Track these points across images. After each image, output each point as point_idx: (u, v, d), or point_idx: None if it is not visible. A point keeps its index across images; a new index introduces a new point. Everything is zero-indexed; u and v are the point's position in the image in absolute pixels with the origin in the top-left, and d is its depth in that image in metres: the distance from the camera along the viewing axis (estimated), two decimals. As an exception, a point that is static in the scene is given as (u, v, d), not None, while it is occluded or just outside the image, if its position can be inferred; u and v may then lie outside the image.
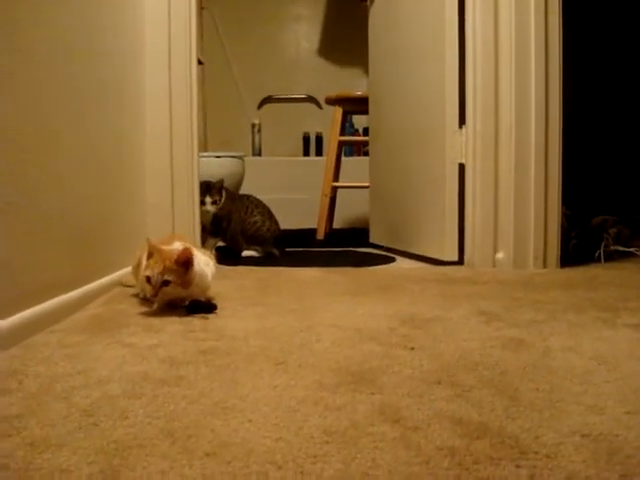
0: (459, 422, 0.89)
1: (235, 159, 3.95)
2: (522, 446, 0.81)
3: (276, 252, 3.03)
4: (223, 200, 3.01)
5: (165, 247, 1.65)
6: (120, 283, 1.99)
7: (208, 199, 2.95)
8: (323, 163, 4.09)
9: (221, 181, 3.03)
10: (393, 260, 2.86)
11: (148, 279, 1.59)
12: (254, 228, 3.03)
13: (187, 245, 1.66)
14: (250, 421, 0.89)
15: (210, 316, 1.60)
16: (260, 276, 2.34)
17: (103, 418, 0.90)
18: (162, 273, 1.58)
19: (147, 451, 0.80)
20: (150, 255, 1.61)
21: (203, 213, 2.78)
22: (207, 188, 2.94)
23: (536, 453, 0.79)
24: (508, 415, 0.91)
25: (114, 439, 0.83)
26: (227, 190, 3.10)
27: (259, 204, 3.12)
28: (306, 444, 0.81)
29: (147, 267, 1.60)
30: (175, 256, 1.60)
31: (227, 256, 2.87)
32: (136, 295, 1.83)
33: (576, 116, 2.76)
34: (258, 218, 3.05)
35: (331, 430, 0.86)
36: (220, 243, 3.08)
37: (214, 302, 1.68)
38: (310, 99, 5.55)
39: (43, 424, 0.88)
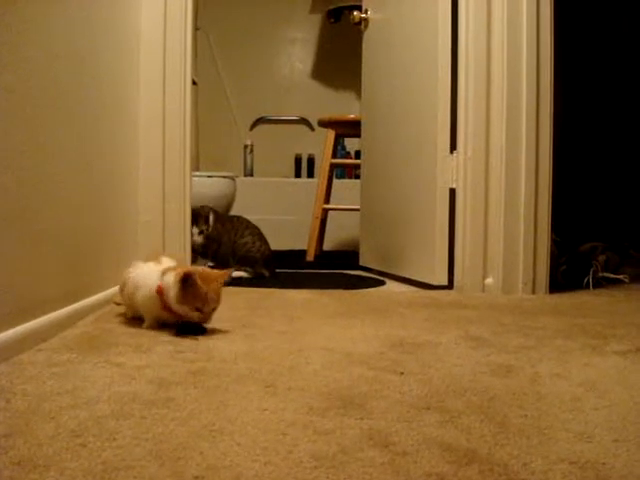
0: (448, 448, 0.89)
1: (227, 179, 3.96)
2: (510, 473, 0.81)
3: (266, 273, 3.02)
4: (211, 228, 2.99)
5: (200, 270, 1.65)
6: (113, 301, 1.99)
7: (195, 230, 2.92)
8: (314, 185, 4.11)
9: (208, 209, 3.02)
10: (383, 283, 2.86)
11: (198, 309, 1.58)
12: (244, 249, 3.03)
13: (184, 266, 1.66)
14: (239, 444, 0.89)
15: (199, 337, 1.60)
16: (250, 297, 2.33)
17: (91, 439, 0.90)
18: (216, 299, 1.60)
19: (135, 473, 0.79)
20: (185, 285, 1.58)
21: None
22: (194, 218, 2.88)
23: (524, 480, 0.79)
24: (497, 441, 0.91)
25: (102, 460, 0.83)
26: (216, 213, 3.09)
27: (249, 225, 3.12)
28: (295, 468, 0.81)
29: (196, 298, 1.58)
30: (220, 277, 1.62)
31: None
32: (124, 314, 1.83)
33: (566, 144, 2.79)
34: (248, 239, 3.05)
35: (320, 455, 0.86)
36: (209, 263, 3.08)
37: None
38: (303, 121, 5.58)
39: (30, 444, 0.87)
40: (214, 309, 1.61)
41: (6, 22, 1.35)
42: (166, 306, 1.61)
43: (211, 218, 3.03)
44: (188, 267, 1.64)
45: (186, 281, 1.57)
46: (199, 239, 2.96)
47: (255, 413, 1.02)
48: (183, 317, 1.61)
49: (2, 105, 1.33)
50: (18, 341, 1.36)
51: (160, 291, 1.61)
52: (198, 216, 2.96)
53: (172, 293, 1.58)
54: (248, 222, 3.14)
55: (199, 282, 1.56)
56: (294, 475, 0.79)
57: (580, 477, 0.80)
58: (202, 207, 3.04)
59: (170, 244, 2.52)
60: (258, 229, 3.13)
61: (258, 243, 3.06)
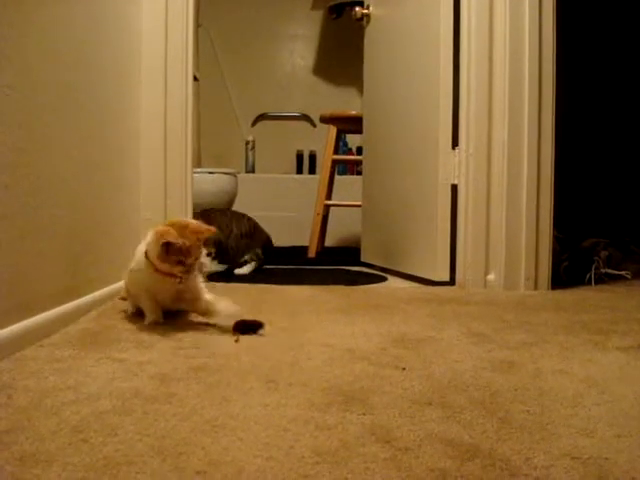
0: (450, 443, 0.89)
1: (228, 176, 3.95)
2: (513, 468, 0.81)
3: (259, 254, 3.00)
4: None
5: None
6: (120, 296, 1.98)
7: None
8: (316, 181, 4.10)
9: (218, 236, 2.93)
10: (385, 279, 2.86)
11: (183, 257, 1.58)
12: (236, 240, 3.00)
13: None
14: (241, 440, 0.89)
15: (200, 333, 1.60)
16: (251, 293, 2.33)
17: (93, 434, 0.90)
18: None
19: (137, 468, 0.79)
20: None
21: None
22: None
23: (527, 475, 0.79)
24: (499, 437, 0.91)
25: (104, 456, 0.83)
26: (209, 211, 3.04)
27: (233, 215, 3.09)
28: (297, 464, 0.81)
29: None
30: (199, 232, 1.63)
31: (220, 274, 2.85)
32: (125, 310, 1.83)
33: (567, 139, 2.78)
34: (235, 229, 3.02)
35: (322, 450, 0.86)
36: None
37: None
38: (304, 117, 5.57)
39: (33, 439, 0.87)
40: (196, 259, 1.61)
41: (7, 18, 1.35)
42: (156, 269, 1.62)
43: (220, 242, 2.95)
44: (162, 228, 1.64)
45: (167, 246, 1.57)
46: (205, 261, 2.82)
47: (257, 409, 1.02)
48: (168, 274, 1.61)
49: (1, 101, 1.33)
50: (20, 337, 1.37)
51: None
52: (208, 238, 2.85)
53: (154, 253, 1.59)
54: (232, 212, 3.10)
55: (177, 241, 1.57)
56: (296, 470, 0.79)
57: (582, 472, 0.80)
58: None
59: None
60: (242, 216, 3.09)
61: (244, 229, 3.03)
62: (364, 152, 3.52)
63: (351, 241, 4.52)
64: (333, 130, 3.95)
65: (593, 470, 0.80)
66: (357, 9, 3.39)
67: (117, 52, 2.19)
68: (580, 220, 3.21)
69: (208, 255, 2.78)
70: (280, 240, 4.56)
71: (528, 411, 1.03)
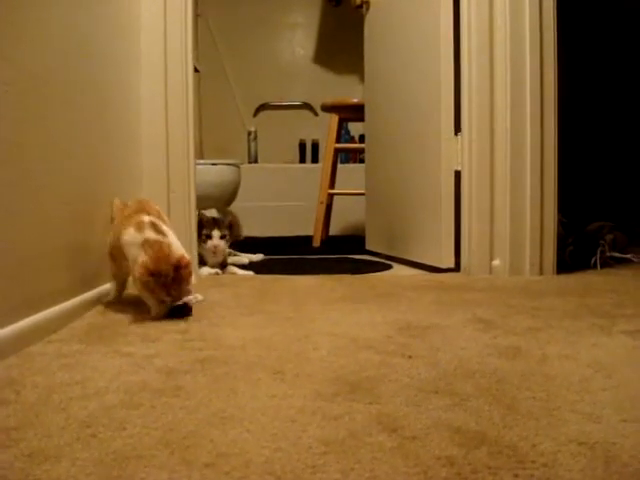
0: (457, 431, 0.89)
1: (231, 166, 3.95)
2: (520, 455, 0.81)
3: None
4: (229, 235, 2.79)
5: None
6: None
7: (216, 233, 2.69)
8: (319, 170, 4.10)
9: (229, 218, 2.85)
10: (389, 267, 2.86)
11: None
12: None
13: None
14: (248, 431, 0.89)
15: (207, 325, 1.60)
16: (256, 284, 2.34)
17: (101, 429, 0.90)
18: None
19: (146, 462, 0.79)
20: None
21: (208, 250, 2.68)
22: (215, 222, 2.73)
23: (533, 462, 0.79)
24: (505, 424, 0.92)
25: (112, 450, 0.83)
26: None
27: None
28: (305, 454, 0.81)
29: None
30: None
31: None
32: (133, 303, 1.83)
33: (571, 123, 2.77)
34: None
35: (329, 440, 0.86)
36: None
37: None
38: (306, 106, 5.56)
39: (41, 435, 0.88)
40: None
41: (5, 16, 1.34)
42: None
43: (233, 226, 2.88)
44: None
45: None
46: (220, 243, 2.71)
47: (264, 400, 1.03)
48: None
49: (5, 101, 1.33)
50: (27, 333, 1.37)
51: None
52: (219, 221, 2.76)
53: None
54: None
55: None
56: (304, 461, 0.79)
57: (589, 457, 0.80)
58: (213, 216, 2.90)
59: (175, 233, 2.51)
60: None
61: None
62: (366, 140, 3.51)
63: (355, 229, 4.51)
64: (335, 118, 3.94)
65: (600, 455, 0.81)
66: (356, -4, 3.37)
67: (116, 45, 2.18)
68: (585, 204, 3.20)
69: (222, 238, 2.74)
70: (284, 230, 4.57)
71: (534, 397, 1.03)
